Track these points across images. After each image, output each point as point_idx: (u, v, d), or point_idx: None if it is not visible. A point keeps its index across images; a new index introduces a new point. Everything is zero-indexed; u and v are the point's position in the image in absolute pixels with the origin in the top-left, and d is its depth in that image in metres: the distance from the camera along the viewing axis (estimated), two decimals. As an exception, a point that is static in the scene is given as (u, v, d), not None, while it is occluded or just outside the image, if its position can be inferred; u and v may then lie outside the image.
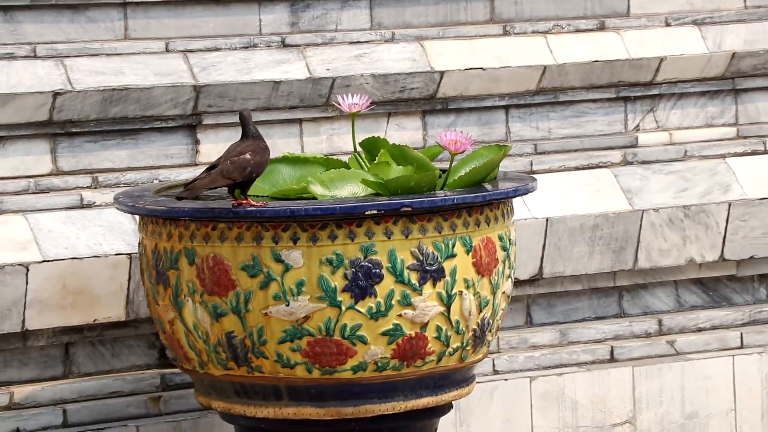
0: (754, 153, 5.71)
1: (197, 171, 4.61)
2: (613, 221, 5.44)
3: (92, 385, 4.99)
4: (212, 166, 4.37)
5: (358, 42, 5.31)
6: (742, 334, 5.68)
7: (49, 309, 4.84)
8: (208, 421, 4.95)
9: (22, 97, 4.84)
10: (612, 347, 5.55)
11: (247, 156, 4.29)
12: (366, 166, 4.64)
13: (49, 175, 4.97)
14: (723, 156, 5.67)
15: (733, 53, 5.65)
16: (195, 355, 4.49)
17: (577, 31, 5.55)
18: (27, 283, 4.80)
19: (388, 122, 5.28)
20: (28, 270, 4.80)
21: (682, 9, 5.66)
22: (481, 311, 4.50)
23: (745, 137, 5.73)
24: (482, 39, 5.44)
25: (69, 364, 4.99)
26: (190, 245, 4.40)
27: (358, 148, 4.75)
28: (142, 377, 5.04)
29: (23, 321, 4.82)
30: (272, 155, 4.56)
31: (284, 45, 5.22)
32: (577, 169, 5.52)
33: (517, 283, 5.15)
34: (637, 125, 5.63)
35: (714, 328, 5.66)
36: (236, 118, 4.99)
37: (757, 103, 5.75)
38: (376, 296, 4.32)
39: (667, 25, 5.63)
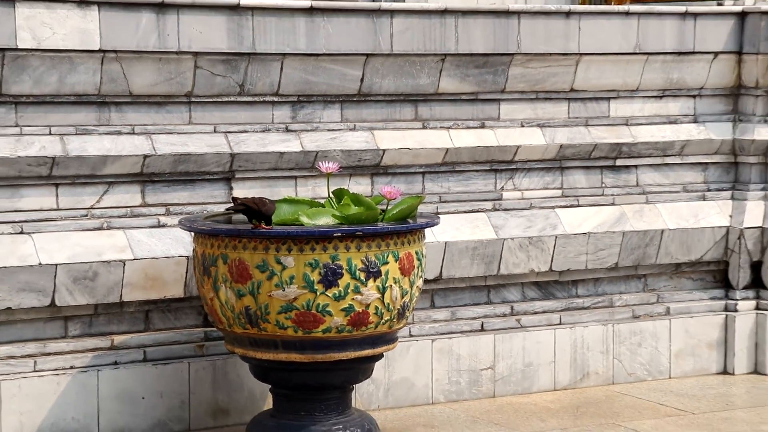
0: (571, 206, 5.72)
1: (231, 206, 4.60)
2: (486, 245, 5.43)
3: (162, 336, 4.99)
4: (247, 198, 4.49)
5: (333, 129, 5.29)
6: (560, 316, 5.69)
7: (136, 289, 4.84)
8: (233, 360, 4.94)
9: (125, 158, 4.82)
10: (482, 322, 5.54)
11: (266, 200, 4.39)
12: (335, 206, 4.64)
13: (139, 206, 4.94)
14: (553, 207, 5.68)
15: (561, 145, 5.65)
16: (225, 320, 4.51)
17: (468, 127, 5.54)
18: (124, 272, 4.79)
19: (349, 179, 5.26)
20: (124, 264, 4.80)
21: (530, 116, 5.66)
22: (403, 298, 4.53)
23: (566, 196, 5.72)
24: (409, 130, 5.43)
25: (148, 322, 4.97)
26: (225, 251, 4.42)
27: (331, 195, 4.74)
28: (192, 332, 5.04)
29: (121, 295, 4.82)
30: (276, 199, 4.65)
31: (287, 130, 5.20)
32: (465, 212, 5.52)
33: (426, 281, 5.17)
34: (502, 187, 5.62)
35: (546, 312, 5.67)
36: (255, 174, 5.12)
37: (575, 176, 5.77)
38: (338, 286, 4.36)
39: (522, 126, 5.63)
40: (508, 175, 5.67)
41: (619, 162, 5.90)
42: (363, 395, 5.16)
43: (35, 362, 4.73)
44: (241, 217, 4.54)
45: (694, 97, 6.08)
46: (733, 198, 6.10)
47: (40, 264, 4.65)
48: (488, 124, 5.62)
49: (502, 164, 5.64)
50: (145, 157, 4.88)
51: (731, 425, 5.19)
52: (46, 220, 4.78)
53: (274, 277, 4.33)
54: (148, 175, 4.95)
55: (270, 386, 4.72)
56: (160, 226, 4.95)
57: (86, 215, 4.86)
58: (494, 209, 5.61)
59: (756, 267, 6.03)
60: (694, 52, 5.97)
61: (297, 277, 4.32)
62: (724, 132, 6.09)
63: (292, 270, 4.32)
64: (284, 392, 4.64)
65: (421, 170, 5.49)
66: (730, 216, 6.03)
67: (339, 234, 4.35)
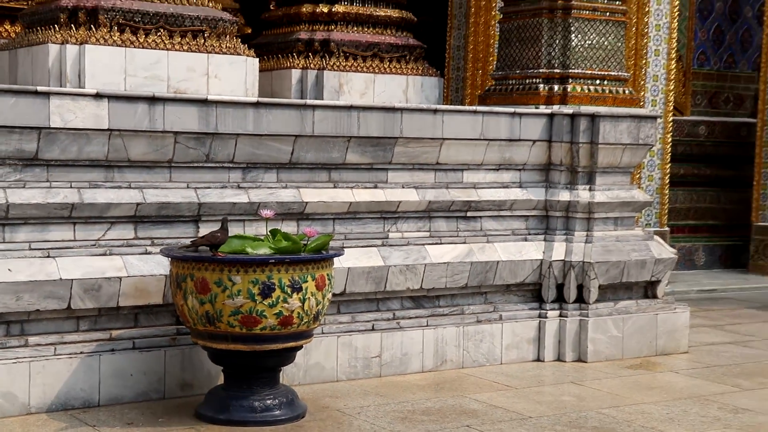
0: (436, 243, 5.78)
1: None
2: (376, 270, 5.47)
3: (146, 331, 4.97)
4: (203, 237, 4.52)
5: (271, 187, 5.31)
6: (427, 320, 5.71)
7: (129, 297, 4.84)
8: (196, 349, 4.90)
9: (123, 205, 4.85)
10: (373, 324, 5.55)
11: (218, 234, 4.40)
12: (271, 241, 4.64)
13: (133, 239, 4.94)
14: (423, 244, 5.70)
15: (429, 201, 5.72)
16: (191, 320, 4.52)
17: (365, 187, 5.59)
18: (120, 286, 4.81)
19: (282, 222, 5.28)
20: (121, 280, 4.81)
21: (408, 181, 5.73)
22: (317, 306, 4.57)
23: (433, 237, 5.81)
24: (324, 189, 5.48)
25: (137, 321, 4.97)
26: (192, 272, 4.45)
27: (268, 233, 4.75)
28: (168, 329, 5.02)
29: (118, 302, 4.83)
30: (229, 235, 4.60)
31: (239, 187, 5.22)
32: (362, 247, 5.54)
33: (334, 294, 5.19)
34: (388, 229, 5.66)
35: (417, 317, 5.69)
36: (215, 218, 5.11)
37: (438, 223, 5.82)
38: (272, 297, 4.39)
39: (403, 187, 5.67)
40: (393, 222, 5.70)
41: (469, 214, 5.95)
42: (288, 375, 5.15)
43: (55, 349, 4.71)
44: (204, 247, 4.55)
45: (520, 170, 6.15)
46: (545, 240, 6.17)
47: (60, 279, 4.65)
48: (379, 186, 5.66)
49: (388, 214, 5.67)
50: (138, 204, 4.89)
51: (542, 396, 5.29)
52: (66, 248, 4.78)
53: (227, 290, 4.35)
54: (140, 217, 4.95)
55: (222, 368, 4.72)
56: (147, 253, 4.94)
57: (95, 245, 4.85)
58: (383, 245, 5.62)
59: (560, 287, 6.11)
60: (520, 140, 6.06)
61: (243, 291, 4.34)
62: (539, 194, 6.17)
63: (239, 285, 4.34)
64: (232, 372, 4.64)
65: (332, 217, 5.50)
66: (543, 252, 6.10)
67: (273, 260, 4.39)
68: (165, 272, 4.86)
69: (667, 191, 9.11)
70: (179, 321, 4.94)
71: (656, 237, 6.57)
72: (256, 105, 5.19)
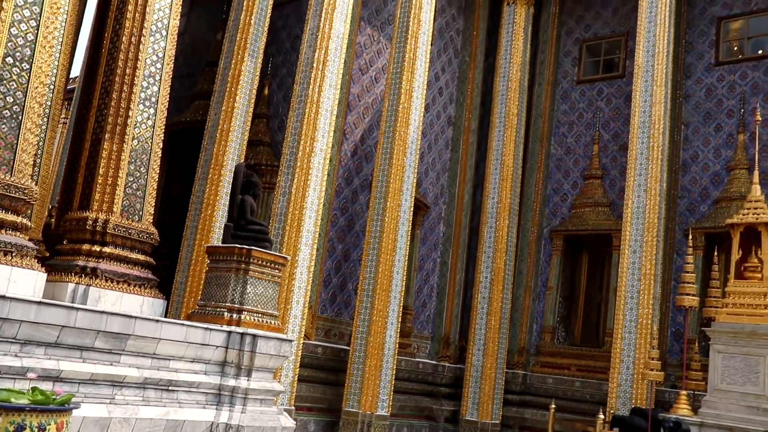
0: (146, 405, 5.46)
1: (-24, 389, 4.09)
2: (103, 420, 5.07)
3: None
4: None
5: (39, 358, 4.93)
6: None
7: None
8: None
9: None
10: (92, 457, 5.11)
11: None
12: (30, 395, 4.24)
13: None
14: (137, 405, 5.38)
15: (145, 377, 5.48)
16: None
17: (104, 364, 5.27)
18: None
19: (42, 382, 4.86)
20: None
21: (134, 363, 5.45)
22: (55, 441, 4.17)
23: (146, 401, 5.52)
24: (77, 362, 5.12)
25: None
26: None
27: (30, 389, 4.30)
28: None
29: None
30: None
31: (16, 356, 4.77)
32: (96, 403, 5.14)
33: (68, 434, 4.74)
34: (116, 393, 5.31)
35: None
36: None
37: (150, 392, 5.53)
38: (24, 433, 3.96)
39: (129, 366, 5.39)
40: (120, 388, 5.37)
41: (171, 388, 5.75)
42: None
43: None
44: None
45: (206, 363, 6.08)
46: (216, 409, 6.02)
47: None
48: (114, 364, 5.38)
49: (117, 383, 5.35)
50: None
51: None
52: None
53: (-8, 426, 3.93)
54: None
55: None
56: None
57: None
58: (110, 403, 5.28)
59: (223, 439, 5.98)
60: (209, 345, 6.04)
61: (2, 428, 3.95)
62: (217, 380, 6.07)
63: (1, 423, 3.94)
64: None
65: (79, 381, 5.15)
66: (214, 416, 5.95)
67: (28, 408, 4.06)
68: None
69: (295, 385, 9.30)
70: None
71: (285, 413, 6.64)
72: (39, 303, 4.92)
